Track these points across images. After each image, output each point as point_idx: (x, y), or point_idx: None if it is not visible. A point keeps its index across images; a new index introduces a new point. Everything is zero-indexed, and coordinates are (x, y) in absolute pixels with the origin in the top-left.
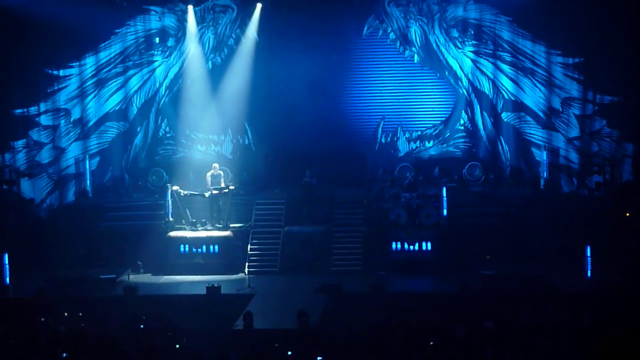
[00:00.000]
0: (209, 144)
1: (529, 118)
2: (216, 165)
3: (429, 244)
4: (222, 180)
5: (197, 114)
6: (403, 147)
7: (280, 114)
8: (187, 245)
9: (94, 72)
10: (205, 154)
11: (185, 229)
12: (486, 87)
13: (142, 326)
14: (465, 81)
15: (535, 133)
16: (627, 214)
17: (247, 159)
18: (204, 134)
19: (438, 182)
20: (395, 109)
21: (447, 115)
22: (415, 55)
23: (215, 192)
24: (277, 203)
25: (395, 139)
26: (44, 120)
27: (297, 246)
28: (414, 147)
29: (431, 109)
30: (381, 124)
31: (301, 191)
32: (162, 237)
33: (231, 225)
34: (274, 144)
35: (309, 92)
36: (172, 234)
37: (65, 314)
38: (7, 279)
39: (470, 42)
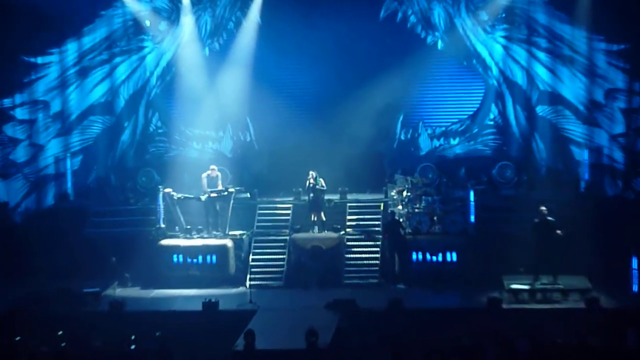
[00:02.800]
0: (205, 141)
1: (567, 112)
2: (214, 166)
3: (454, 254)
4: (220, 181)
5: (193, 107)
6: (425, 144)
7: (286, 108)
8: (180, 255)
9: (76, 60)
10: (202, 152)
11: (178, 237)
12: (519, 77)
13: (133, 347)
14: (495, 70)
15: (575, 129)
16: None
17: (248, 158)
18: (200, 130)
19: (464, 185)
20: (416, 102)
21: (474, 109)
22: (439, 41)
23: (212, 195)
24: (283, 208)
25: (416, 135)
26: (20, 113)
27: (305, 256)
28: (437, 145)
29: (457, 102)
30: (400, 119)
31: (309, 194)
32: (153, 246)
33: (230, 232)
34: (279, 141)
35: (318, 82)
36: (164, 242)
37: (44, 332)
38: None
39: (501, 26)
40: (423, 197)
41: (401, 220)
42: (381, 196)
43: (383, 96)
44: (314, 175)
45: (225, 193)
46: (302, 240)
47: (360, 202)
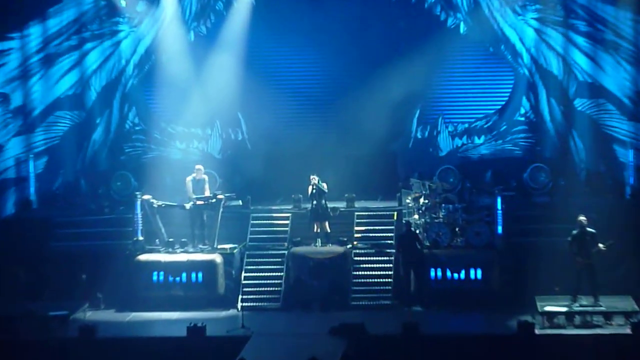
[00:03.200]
0: (190, 140)
1: (610, 106)
2: (200, 167)
3: (479, 272)
4: (208, 187)
5: (176, 100)
6: (445, 144)
7: (284, 101)
8: (162, 273)
9: (40, 46)
10: (186, 153)
11: (159, 251)
12: (554, 66)
13: None
14: (526, 58)
15: (619, 126)
16: None
17: (240, 160)
18: (184, 127)
19: (491, 190)
20: (435, 95)
21: (502, 103)
22: (461, 23)
23: (199, 202)
24: (280, 217)
25: (435, 133)
26: None
27: (306, 273)
28: (459, 145)
29: (482, 95)
30: (416, 114)
31: (311, 202)
32: (130, 262)
33: (219, 246)
34: (276, 140)
35: (321, 72)
36: (143, 257)
37: None
38: None
39: (533, 7)
40: (443, 204)
41: (418, 231)
42: (394, 204)
43: (397, 88)
44: (317, 180)
45: (214, 200)
46: (302, 255)
47: (370, 211)
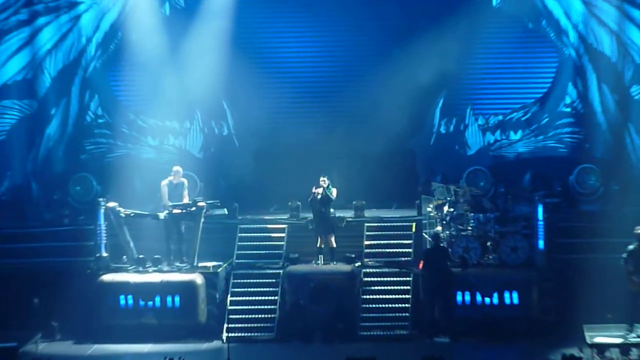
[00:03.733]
0: (165, 135)
1: None
2: (178, 169)
3: (515, 295)
4: (187, 192)
5: (148, 87)
6: (474, 140)
7: (279, 89)
8: (130, 296)
9: None
10: (160, 151)
11: (127, 270)
12: (606, 46)
13: None
14: (573, 36)
15: None
16: None
17: (226, 159)
18: (157, 120)
19: (530, 197)
20: (463, 81)
21: (544, 91)
22: None
23: (175, 211)
24: (274, 229)
25: (462, 127)
26: None
27: (306, 297)
28: (491, 141)
29: (519, 81)
30: (439, 104)
31: (315, 210)
32: (92, 283)
33: (201, 264)
34: (270, 135)
35: (326, 54)
36: (107, 277)
37: None
38: None
39: None
40: (472, 214)
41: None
42: (413, 213)
43: (417, 73)
44: (327, 184)
45: (194, 209)
46: (301, 275)
47: (384, 222)
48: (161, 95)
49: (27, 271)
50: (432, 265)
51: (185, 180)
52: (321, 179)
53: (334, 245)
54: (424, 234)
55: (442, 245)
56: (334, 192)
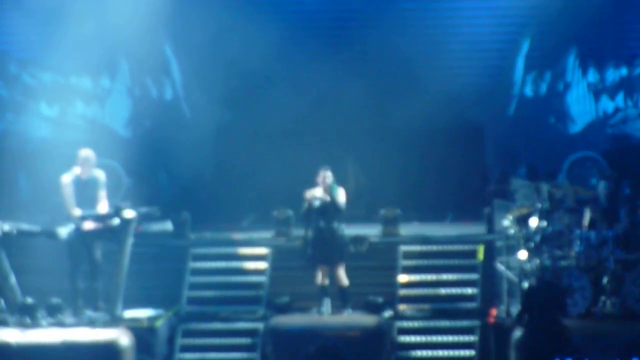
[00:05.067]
0: (70, 99)
1: None
2: (87, 154)
3: None
4: (104, 194)
5: (42, 24)
6: (582, 109)
7: (258, 24)
8: None
9: None
10: (61, 125)
11: (6, 324)
12: None
13: None
14: None
15: None
16: None
17: (170, 140)
18: (57, 75)
19: None
20: (560, 10)
21: None
22: None
23: (87, 225)
24: (250, 256)
25: (561, 87)
26: None
27: None
28: (609, 111)
29: None
30: (523, 50)
31: (308, 224)
32: None
33: (128, 313)
34: (241, 100)
35: None
36: None
37: None
38: None
39: None
40: (578, 231)
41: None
42: (480, 229)
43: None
44: (330, 180)
45: (116, 221)
46: (295, 333)
47: (432, 243)
48: (63, 34)
49: None
50: (538, 316)
51: (101, 175)
52: (321, 173)
53: (345, 282)
54: (498, 265)
55: (555, 285)
56: (341, 194)
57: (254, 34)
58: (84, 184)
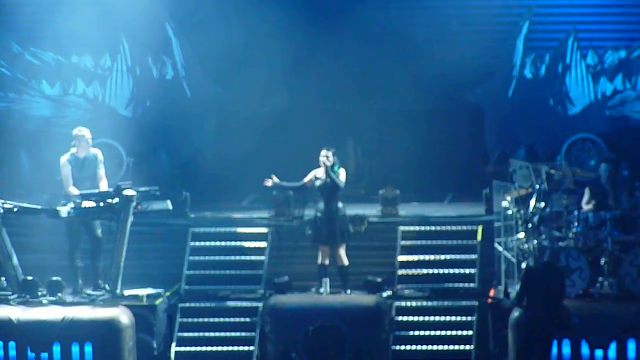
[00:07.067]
0: (71, 78)
1: None
2: (83, 132)
3: None
4: (103, 173)
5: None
6: (581, 91)
7: (258, 2)
8: (13, 344)
9: None
10: (62, 105)
11: (8, 302)
12: None
13: None
14: None
15: None
16: None
17: (171, 120)
18: (58, 55)
19: None
20: None
21: None
22: None
23: (87, 204)
24: (250, 236)
25: (560, 69)
26: None
27: (300, 349)
28: (607, 93)
29: None
30: (523, 32)
31: (317, 203)
32: None
33: (127, 292)
34: (245, 80)
35: None
36: None
37: None
38: None
39: None
40: (575, 212)
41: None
42: (479, 210)
43: None
44: (331, 160)
45: (116, 200)
46: (294, 312)
47: (431, 224)
48: (65, 14)
49: None
50: (538, 298)
51: (99, 153)
52: (323, 153)
53: (346, 262)
54: (496, 245)
55: (556, 265)
56: (341, 174)
57: (255, 14)
58: (81, 163)
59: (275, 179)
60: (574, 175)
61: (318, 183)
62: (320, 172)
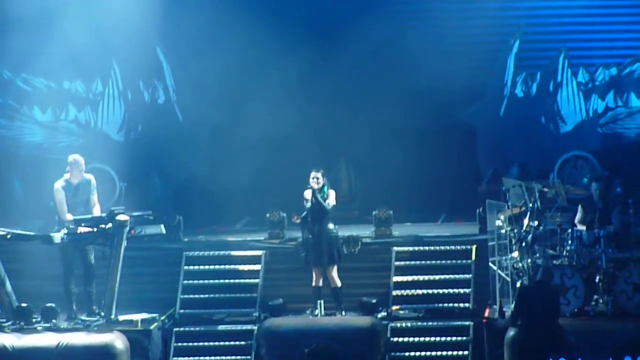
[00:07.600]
0: (62, 104)
1: None
2: (77, 158)
3: None
4: (96, 198)
5: (34, 28)
6: (572, 108)
7: (249, 26)
8: None
9: None
10: (54, 131)
11: (3, 328)
12: None
13: None
14: None
15: None
16: None
17: (163, 144)
18: (49, 80)
19: None
20: (553, 10)
21: None
22: None
23: (81, 230)
24: (244, 258)
25: (550, 87)
26: None
27: None
28: (599, 110)
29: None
30: (513, 50)
31: (307, 226)
32: None
33: (122, 317)
34: (235, 104)
35: None
36: None
37: None
38: None
39: None
40: (568, 230)
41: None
42: (472, 229)
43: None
44: (320, 181)
45: (109, 225)
46: (289, 334)
47: (425, 244)
48: (56, 39)
49: None
50: (532, 316)
51: (92, 178)
52: (312, 175)
53: (338, 283)
54: (491, 264)
55: (552, 284)
56: (331, 196)
57: (245, 37)
58: (75, 188)
59: (297, 218)
60: (567, 192)
61: (308, 205)
62: (308, 194)
